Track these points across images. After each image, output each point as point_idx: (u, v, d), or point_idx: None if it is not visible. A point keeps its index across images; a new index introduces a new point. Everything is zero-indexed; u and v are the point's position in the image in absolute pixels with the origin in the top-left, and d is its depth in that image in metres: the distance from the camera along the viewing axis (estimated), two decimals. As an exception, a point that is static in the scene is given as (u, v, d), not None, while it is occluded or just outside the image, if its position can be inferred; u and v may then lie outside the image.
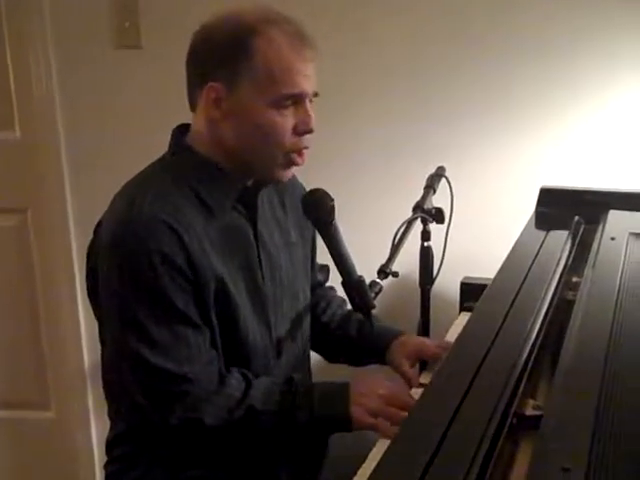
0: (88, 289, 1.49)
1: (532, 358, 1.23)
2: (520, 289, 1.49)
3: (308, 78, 1.39)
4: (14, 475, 2.80)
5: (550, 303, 1.44)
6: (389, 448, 1.04)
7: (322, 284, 1.81)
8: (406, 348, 1.63)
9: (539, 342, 1.29)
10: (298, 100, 1.40)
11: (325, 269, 1.79)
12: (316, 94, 1.43)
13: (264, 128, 1.39)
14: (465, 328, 1.40)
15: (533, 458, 0.95)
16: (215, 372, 1.40)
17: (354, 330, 1.71)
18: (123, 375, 1.42)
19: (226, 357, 1.45)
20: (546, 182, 2.06)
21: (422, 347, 1.64)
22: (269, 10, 1.41)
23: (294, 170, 1.62)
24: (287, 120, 1.39)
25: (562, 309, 1.49)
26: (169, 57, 2.28)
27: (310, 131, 1.42)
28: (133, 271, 1.34)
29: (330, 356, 1.78)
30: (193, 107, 1.46)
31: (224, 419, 1.38)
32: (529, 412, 1.14)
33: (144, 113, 2.38)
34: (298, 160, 1.44)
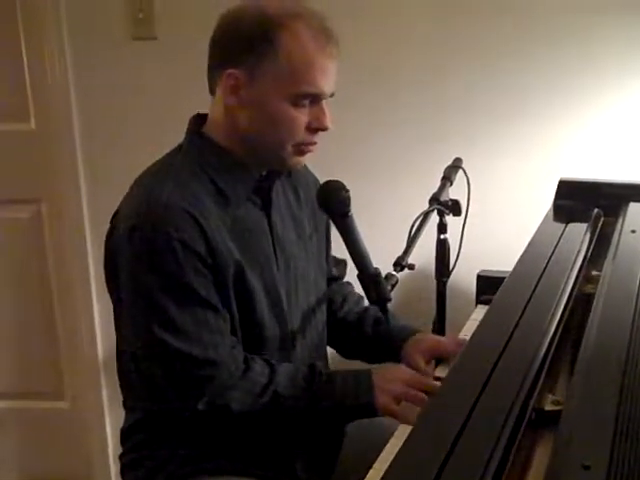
0: (106, 279, 1.48)
1: (551, 352, 1.21)
2: (538, 282, 1.47)
3: (328, 78, 1.39)
4: (28, 465, 2.81)
5: (569, 297, 1.42)
6: (406, 442, 1.02)
7: (338, 279, 1.79)
8: (421, 346, 1.61)
9: (558, 336, 1.27)
10: (316, 98, 1.39)
11: (342, 264, 1.78)
12: (332, 94, 1.43)
13: (278, 121, 1.38)
14: (482, 322, 1.38)
15: (553, 455, 0.93)
16: (240, 357, 1.41)
17: (370, 328, 1.69)
18: (145, 363, 1.41)
19: (243, 348, 1.45)
20: (565, 174, 2.03)
21: (437, 345, 1.62)
22: (296, 2, 1.40)
23: (309, 163, 1.63)
24: (302, 116, 1.39)
25: (581, 303, 1.47)
26: (183, 48, 2.30)
27: (324, 129, 1.42)
28: (154, 258, 1.34)
29: (345, 352, 1.77)
30: (212, 91, 1.46)
31: (250, 404, 1.38)
32: (548, 407, 1.12)
33: (159, 104, 2.37)
34: (308, 149, 1.44)
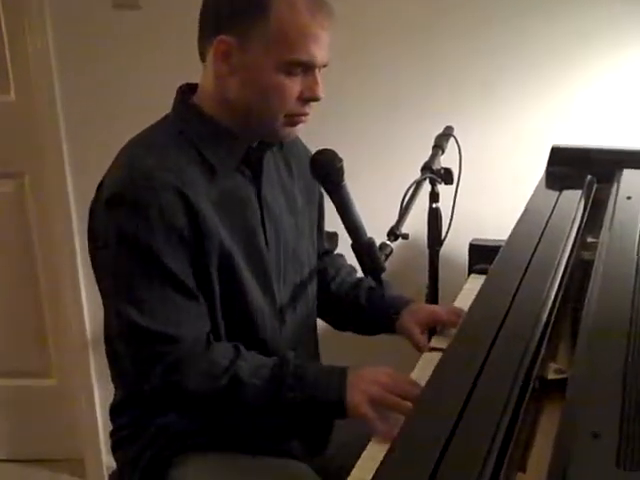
0: (89, 251, 1.45)
1: (552, 321, 1.20)
2: (535, 250, 1.45)
3: (322, 47, 1.35)
4: (17, 443, 2.79)
5: (567, 264, 1.40)
6: (410, 416, 1.01)
7: (330, 252, 1.77)
8: (417, 315, 1.59)
9: (558, 304, 1.26)
10: (308, 67, 1.36)
11: (334, 237, 1.75)
12: (325, 65, 1.39)
13: (270, 89, 1.35)
14: (480, 292, 1.36)
15: (561, 424, 0.91)
16: (203, 338, 1.36)
17: (364, 298, 1.67)
18: (113, 336, 1.40)
19: (229, 324, 1.42)
20: (557, 141, 2.00)
21: (433, 314, 1.61)
22: None
23: (300, 134, 1.59)
24: (294, 85, 1.35)
25: (579, 270, 1.46)
26: (167, 17, 2.25)
27: (316, 99, 1.38)
28: (129, 228, 1.31)
29: (339, 324, 1.75)
30: (203, 58, 1.42)
31: (207, 386, 1.33)
32: (551, 376, 1.11)
33: (142, 73, 2.31)
34: (301, 119, 1.40)
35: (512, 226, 1.63)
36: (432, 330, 1.65)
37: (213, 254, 1.36)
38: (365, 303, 1.67)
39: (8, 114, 2.45)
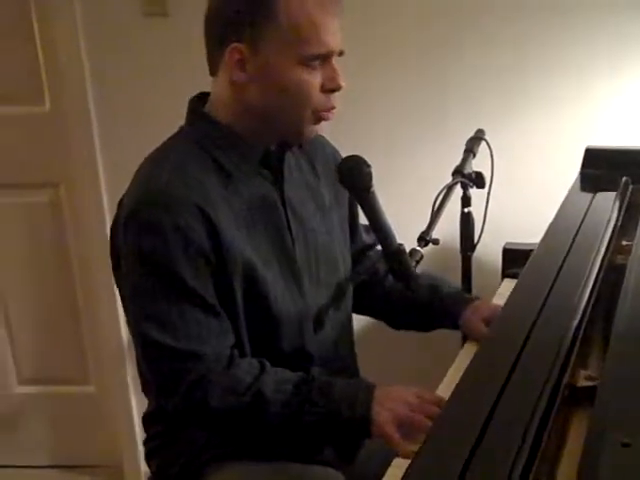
0: (112, 269, 1.45)
1: (583, 326, 1.17)
2: (568, 254, 1.43)
3: (335, 35, 1.34)
4: (58, 450, 2.82)
5: (600, 268, 1.38)
6: (438, 420, 0.99)
7: (373, 245, 1.71)
8: (482, 312, 1.55)
9: (589, 309, 1.23)
10: (325, 58, 1.34)
11: None
12: (342, 53, 1.38)
13: (292, 87, 1.34)
14: (511, 296, 1.34)
15: (590, 433, 0.89)
16: (226, 354, 1.34)
17: (425, 294, 1.62)
18: (137, 353, 1.40)
19: (254, 337, 1.41)
20: (591, 142, 1.97)
21: (497, 311, 1.52)
22: None
23: (329, 138, 1.59)
24: (314, 78, 1.34)
25: (612, 274, 1.43)
26: (196, 24, 2.24)
27: (338, 88, 1.37)
28: (146, 246, 1.30)
29: (397, 323, 1.71)
30: (214, 71, 1.41)
31: (230, 402, 1.31)
32: (581, 383, 1.09)
33: (173, 80, 2.33)
34: (327, 115, 1.39)
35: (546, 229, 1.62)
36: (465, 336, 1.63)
37: (236, 267, 1.35)
38: (426, 300, 1.63)
39: (43, 124, 2.48)
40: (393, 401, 1.27)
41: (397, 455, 1.20)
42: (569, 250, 1.45)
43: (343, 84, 1.36)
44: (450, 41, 2.20)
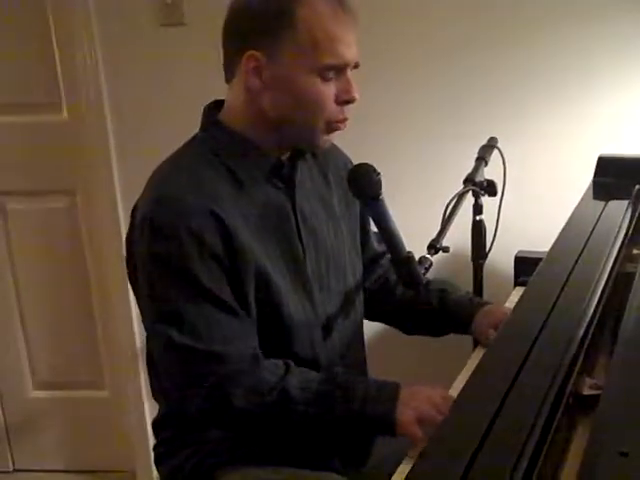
0: (128, 273, 1.47)
1: (589, 334, 1.17)
2: (577, 261, 1.43)
3: (350, 47, 1.36)
4: (73, 454, 2.84)
5: (609, 276, 1.37)
6: (441, 426, 0.99)
7: (384, 254, 1.72)
8: (493, 317, 1.55)
9: (597, 317, 1.23)
10: (340, 70, 1.36)
11: None
12: (357, 65, 1.39)
13: (307, 97, 1.35)
14: (519, 302, 1.34)
15: (589, 441, 0.89)
16: (249, 354, 1.35)
17: (436, 300, 1.64)
18: (155, 356, 1.41)
19: (267, 338, 1.41)
20: (603, 151, 1.97)
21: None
22: None
23: (340, 146, 1.60)
24: (329, 89, 1.36)
25: (622, 282, 1.43)
26: (212, 34, 2.25)
27: (352, 100, 1.38)
28: (161, 251, 1.32)
29: (409, 329, 1.73)
30: (229, 78, 1.43)
31: (255, 403, 1.32)
32: (586, 391, 1.08)
33: (189, 90, 2.35)
34: (340, 126, 1.40)
35: (557, 236, 1.61)
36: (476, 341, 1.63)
37: (249, 272, 1.36)
38: (437, 305, 1.64)
39: (61, 133, 2.51)
40: (418, 400, 1.29)
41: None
42: (579, 257, 1.45)
43: (357, 96, 1.37)
44: (462, 49, 2.20)
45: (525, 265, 1.94)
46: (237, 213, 1.36)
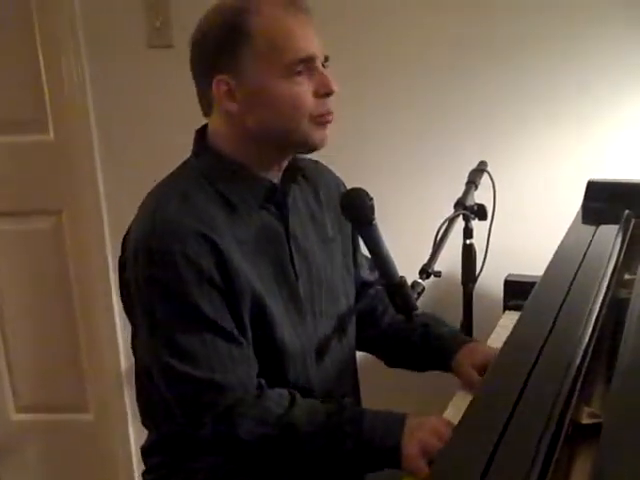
0: (122, 299, 1.45)
1: (586, 362, 1.16)
2: (570, 288, 1.42)
3: (311, 40, 1.35)
4: (54, 478, 2.79)
5: (602, 302, 1.37)
6: (439, 460, 0.98)
7: (373, 283, 1.71)
8: (475, 357, 1.52)
9: (592, 345, 1.22)
10: (309, 65, 1.35)
11: None
12: (327, 58, 1.39)
13: (285, 102, 1.34)
14: (514, 330, 1.33)
15: (592, 475, 0.88)
16: (252, 383, 1.34)
17: (418, 336, 1.62)
18: (156, 385, 1.38)
19: (260, 363, 1.40)
20: (593, 175, 1.98)
21: (490, 358, 1.49)
22: None
23: (332, 168, 1.59)
24: (303, 87, 1.35)
25: (615, 308, 1.42)
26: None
27: (331, 92, 1.37)
28: (158, 277, 1.30)
29: (390, 361, 1.71)
30: (207, 111, 1.42)
31: (260, 435, 1.31)
32: (585, 420, 1.07)
33: (177, 112, 2.32)
34: (327, 118, 1.39)
35: (548, 262, 1.60)
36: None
37: (244, 298, 1.35)
38: (419, 340, 1.61)
39: (47, 153, 2.49)
40: (424, 432, 1.26)
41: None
42: (572, 283, 1.44)
43: (336, 88, 1.36)
44: (451, 72, 2.20)
45: (514, 289, 1.94)
46: (231, 237, 1.35)
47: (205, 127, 1.46)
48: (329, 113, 1.38)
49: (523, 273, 1.96)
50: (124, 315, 2.43)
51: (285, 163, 1.46)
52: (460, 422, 1.07)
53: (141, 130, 2.39)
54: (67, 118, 2.42)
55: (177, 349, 1.31)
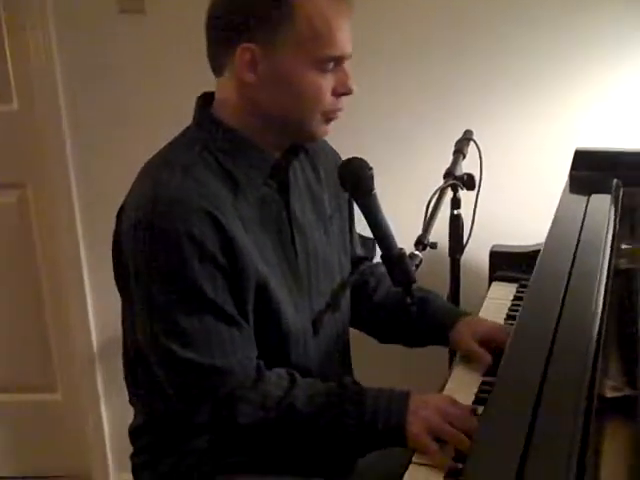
0: (115, 275, 1.39)
1: (603, 335, 1.15)
2: (574, 259, 1.41)
3: (348, 39, 1.31)
4: (24, 459, 2.73)
5: (607, 274, 1.35)
6: (475, 446, 0.95)
7: (366, 259, 1.69)
8: (476, 328, 1.49)
9: (605, 318, 1.21)
10: (339, 62, 1.31)
11: (370, 243, 1.68)
12: (350, 56, 1.35)
13: (306, 91, 1.30)
14: (525, 307, 1.31)
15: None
16: (252, 366, 1.31)
17: (415, 309, 1.54)
18: (153, 366, 1.33)
19: (263, 343, 1.36)
20: (579, 144, 1.96)
21: (494, 332, 1.47)
22: None
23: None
24: (327, 82, 1.31)
25: (618, 279, 1.41)
26: (173, 22, 2.19)
27: (350, 92, 1.34)
28: (160, 256, 1.24)
29: (384, 337, 1.67)
30: (219, 71, 1.35)
31: (260, 418, 1.27)
32: (610, 394, 1.06)
33: (147, 80, 2.25)
34: (336, 115, 1.36)
35: (533, 231, 1.58)
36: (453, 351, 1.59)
37: (249, 278, 1.30)
38: (415, 313, 1.55)
39: (10, 123, 2.38)
40: (428, 410, 1.23)
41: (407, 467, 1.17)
42: (574, 255, 1.43)
43: (354, 88, 1.34)
44: (440, 42, 2.17)
45: (500, 260, 1.93)
46: (234, 215, 1.30)
47: (207, 95, 1.39)
48: (340, 110, 1.36)
49: (508, 243, 1.94)
50: (96, 291, 2.39)
51: (286, 145, 1.41)
52: (487, 405, 1.04)
53: (111, 98, 2.29)
54: (32, 86, 2.31)
55: (177, 332, 1.26)
